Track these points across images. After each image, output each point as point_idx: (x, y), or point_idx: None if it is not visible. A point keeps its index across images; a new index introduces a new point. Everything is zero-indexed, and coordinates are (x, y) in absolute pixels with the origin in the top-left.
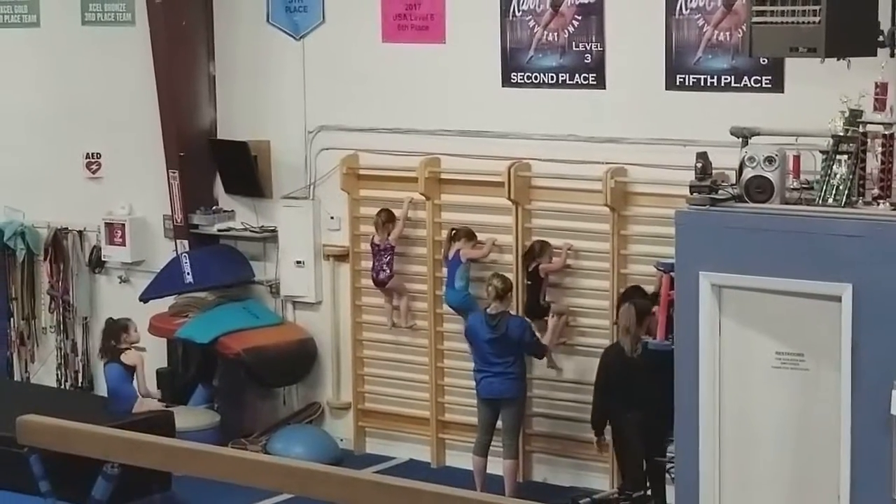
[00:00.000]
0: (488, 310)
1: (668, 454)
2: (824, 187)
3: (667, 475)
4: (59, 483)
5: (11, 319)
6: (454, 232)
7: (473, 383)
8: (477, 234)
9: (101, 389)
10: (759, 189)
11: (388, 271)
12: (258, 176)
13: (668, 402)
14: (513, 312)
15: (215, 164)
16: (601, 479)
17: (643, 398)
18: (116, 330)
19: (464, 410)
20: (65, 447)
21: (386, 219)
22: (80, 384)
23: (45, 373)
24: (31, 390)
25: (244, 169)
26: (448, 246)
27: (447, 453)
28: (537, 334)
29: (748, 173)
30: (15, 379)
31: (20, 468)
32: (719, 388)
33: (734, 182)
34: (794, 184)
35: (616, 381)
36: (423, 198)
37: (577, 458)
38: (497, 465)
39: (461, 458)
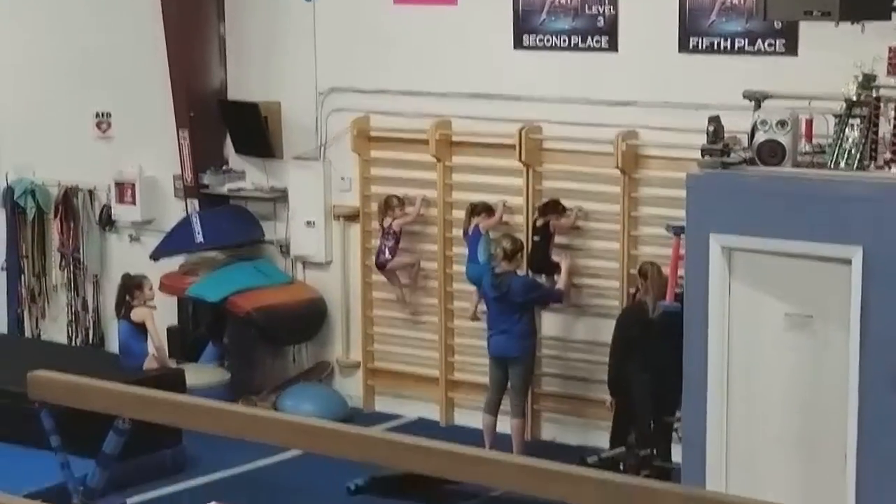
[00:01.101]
0: (495, 269)
1: (676, 414)
2: (836, 151)
3: (674, 434)
4: (70, 438)
5: (22, 277)
6: (473, 207)
7: (482, 342)
8: (487, 195)
9: (112, 346)
10: (771, 153)
11: (388, 255)
12: (268, 136)
13: (679, 363)
14: (520, 272)
15: (225, 125)
16: (608, 438)
17: (656, 359)
18: (131, 286)
19: (473, 370)
20: (75, 402)
21: (396, 204)
22: (90, 341)
23: (55, 330)
24: (41, 347)
25: (254, 129)
26: (467, 221)
27: (456, 412)
28: (547, 284)
29: (760, 137)
30: (26, 336)
31: (31, 423)
32: (728, 350)
33: (746, 145)
34: (807, 147)
35: (635, 342)
36: (435, 195)
37: (585, 418)
38: (508, 425)
39: (470, 418)
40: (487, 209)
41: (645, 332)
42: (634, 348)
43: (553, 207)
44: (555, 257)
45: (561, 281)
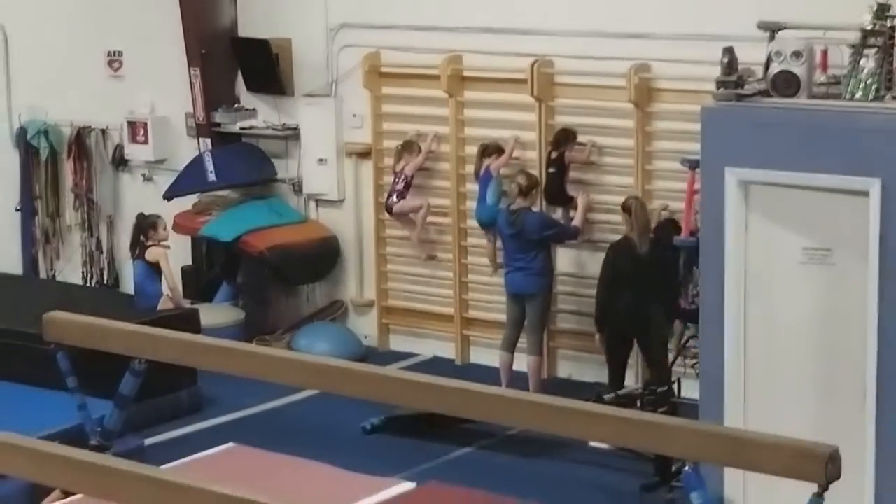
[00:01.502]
0: (511, 206)
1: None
2: (852, 82)
3: (691, 370)
4: (87, 379)
5: (36, 218)
6: (484, 147)
7: (497, 280)
8: (500, 131)
9: (127, 287)
10: (786, 84)
11: (395, 199)
12: (280, 74)
13: (668, 296)
14: (535, 209)
15: (237, 62)
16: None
17: (647, 294)
18: (145, 226)
19: (487, 307)
20: (91, 343)
21: (410, 148)
22: (105, 282)
23: (70, 271)
24: (56, 288)
25: (266, 67)
26: (479, 162)
27: (471, 350)
28: (562, 218)
29: (775, 68)
30: (41, 277)
31: (48, 365)
32: (745, 285)
33: (761, 77)
34: (822, 78)
35: (626, 278)
36: (447, 131)
37: (602, 355)
38: (524, 363)
39: (485, 355)
40: (499, 150)
41: (635, 267)
42: (624, 284)
43: (567, 137)
44: (570, 191)
45: (577, 217)
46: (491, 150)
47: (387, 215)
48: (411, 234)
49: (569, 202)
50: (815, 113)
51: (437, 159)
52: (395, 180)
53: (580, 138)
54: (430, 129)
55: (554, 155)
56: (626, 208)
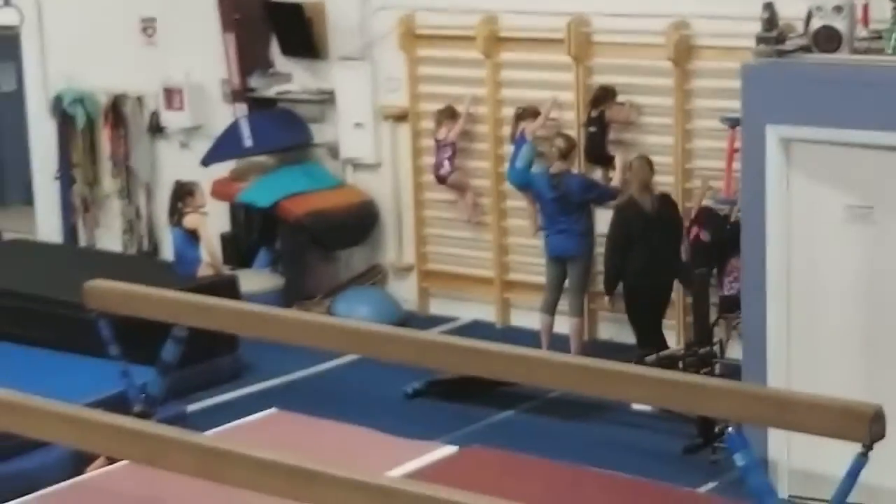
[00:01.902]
0: (550, 169)
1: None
2: (894, 36)
3: (734, 331)
4: (128, 346)
5: (74, 186)
6: (520, 111)
7: (536, 242)
8: (537, 92)
9: (167, 254)
10: (827, 39)
11: (448, 167)
12: (314, 38)
13: (677, 252)
14: (574, 171)
15: (270, 27)
16: (667, 337)
17: (659, 252)
18: (183, 193)
19: (527, 270)
20: (132, 311)
21: (449, 115)
22: (144, 249)
23: (109, 238)
24: (96, 256)
25: (300, 31)
26: (515, 126)
27: (512, 313)
28: (602, 178)
29: (816, 23)
30: (80, 245)
31: (90, 333)
32: (787, 244)
33: (802, 32)
34: (863, 33)
35: (637, 238)
36: (483, 93)
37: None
38: (564, 325)
39: (526, 318)
40: (535, 113)
41: (645, 226)
42: (636, 245)
43: (606, 95)
44: (611, 150)
45: (616, 178)
46: (527, 113)
47: (426, 178)
48: (465, 206)
49: (609, 162)
50: (857, 68)
51: (474, 122)
52: (439, 150)
53: (619, 98)
54: (466, 92)
55: (594, 114)
56: (630, 167)
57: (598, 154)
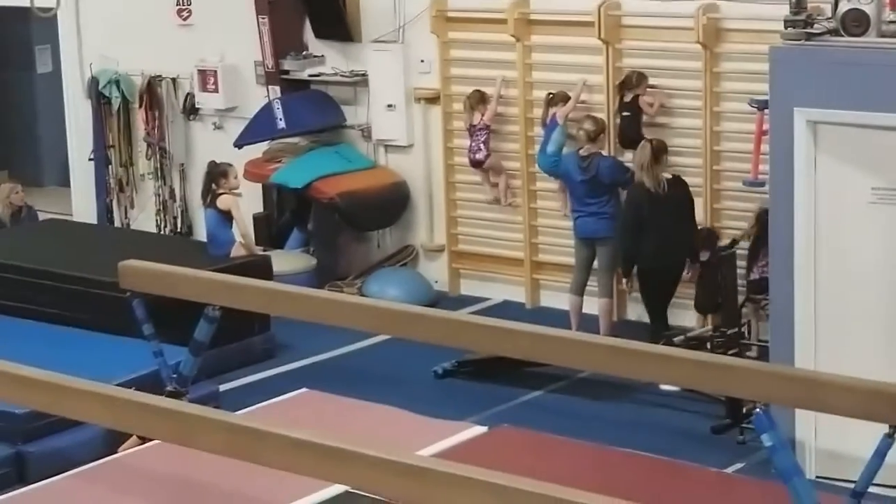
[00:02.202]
0: (580, 151)
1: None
2: None
3: (761, 312)
4: (162, 326)
5: (110, 167)
6: (551, 96)
7: (566, 223)
8: (567, 74)
9: (200, 234)
10: (855, 22)
11: (484, 150)
12: (347, 20)
13: (687, 231)
14: (605, 153)
15: (304, 9)
16: (695, 318)
17: (668, 232)
18: (217, 174)
19: (557, 251)
20: (166, 291)
21: (479, 99)
22: (179, 230)
23: (144, 219)
24: (131, 236)
25: (333, 13)
26: (546, 111)
27: (541, 293)
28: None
29: (844, 6)
30: (115, 225)
31: (124, 312)
32: (815, 226)
33: (830, 16)
34: (891, 16)
35: (648, 220)
36: (514, 76)
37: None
38: (593, 305)
39: (556, 299)
40: (565, 98)
41: (654, 207)
42: (648, 226)
43: (640, 80)
44: (645, 135)
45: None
46: (558, 98)
47: (457, 160)
48: (495, 191)
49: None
50: (885, 51)
51: (505, 104)
52: (473, 135)
53: (649, 94)
54: (497, 74)
55: (628, 98)
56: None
57: (633, 138)
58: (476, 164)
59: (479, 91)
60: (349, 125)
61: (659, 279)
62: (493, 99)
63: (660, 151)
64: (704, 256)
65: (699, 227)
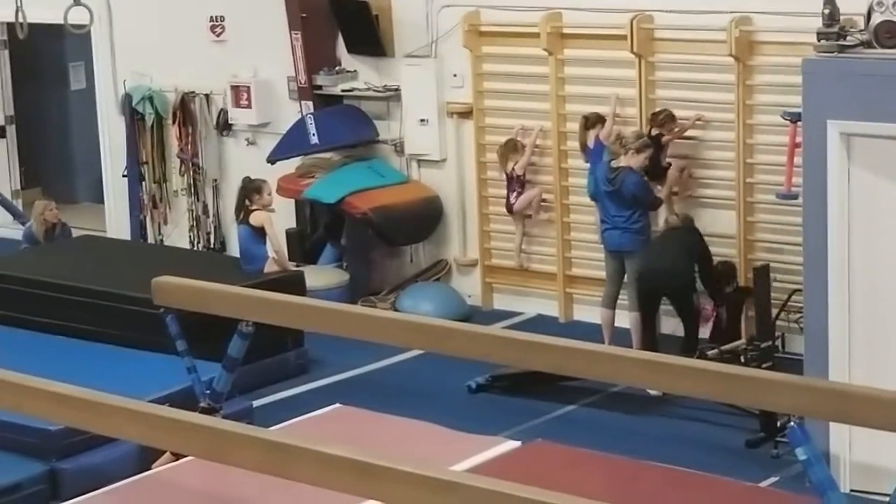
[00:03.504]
0: (611, 162)
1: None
2: None
3: (794, 325)
4: (195, 342)
5: (143, 183)
6: (586, 120)
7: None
8: (599, 88)
9: (234, 250)
10: (888, 34)
11: (514, 199)
12: (380, 35)
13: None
14: (635, 168)
15: (337, 24)
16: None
17: (677, 251)
18: (250, 190)
19: (590, 265)
20: (199, 307)
21: (512, 148)
22: (212, 245)
23: (177, 235)
24: (164, 252)
25: (366, 28)
26: (583, 135)
27: (574, 307)
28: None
29: (877, 18)
30: (149, 241)
31: (157, 328)
32: (848, 238)
33: (863, 28)
34: None
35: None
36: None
37: (704, 311)
38: (626, 319)
39: (589, 312)
40: (600, 119)
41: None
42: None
43: (664, 121)
44: (669, 159)
45: (664, 190)
46: (593, 120)
47: (490, 174)
48: (518, 240)
49: (664, 174)
50: None
51: (541, 154)
52: (508, 184)
53: (682, 95)
54: (528, 88)
55: (653, 132)
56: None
57: (654, 171)
58: (509, 210)
59: (513, 140)
60: (382, 140)
61: (663, 294)
62: (527, 148)
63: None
64: (730, 289)
65: (715, 262)
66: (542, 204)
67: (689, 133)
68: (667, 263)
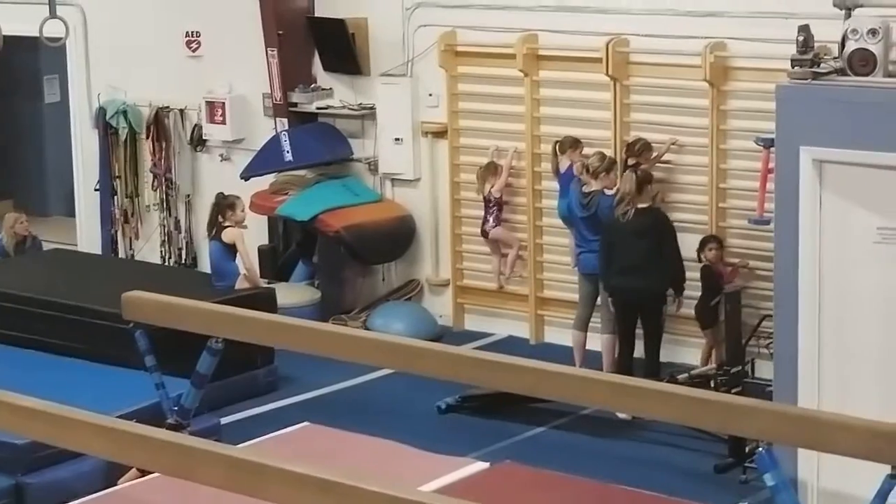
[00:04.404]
0: (583, 188)
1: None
2: None
3: (765, 350)
4: (164, 358)
5: (115, 197)
6: (559, 144)
7: (571, 259)
8: (574, 110)
9: (205, 266)
10: (862, 62)
11: (491, 223)
12: (356, 53)
13: (659, 261)
14: (608, 192)
15: (313, 42)
16: (698, 355)
17: (634, 260)
18: (223, 207)
19: (562, 287)
20: (169, 322)
21: (492, 171)
22: (184, 261)
23: (149, 250)
24: (135, 267)
25: (342, 47)
26: (555, 159)
27: (546, 329)
28: None
29: (851, 46)
30: (119, 256)
31: (127, 343)
32: (819, 264)
33: (836, 55)
34: None
35: (615, 247)
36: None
37: (674, 335)
38: (597, 341)
39: (560, 335)
40: (573, 143)
41: (620, 235)
42: (616, 255)
43: (640, 150)
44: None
45: None
46: (566, 145)
47: (463, 195)
48: (496, 263)
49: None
50: (891, 91)
51: (517, 176)
52: (486, 207)
53: (657, 118)
54: (510, 146)
55: (631, 162)
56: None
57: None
58: (483, 234)
59: (493, 163)
60: (356, 158)
61: (628, 304)
62: (503, 170)
63: (643, 182)
64: (731, 288)
65: (703, 264)
66: (518, 258)
67: (663, 157)
68: (640, 281)
